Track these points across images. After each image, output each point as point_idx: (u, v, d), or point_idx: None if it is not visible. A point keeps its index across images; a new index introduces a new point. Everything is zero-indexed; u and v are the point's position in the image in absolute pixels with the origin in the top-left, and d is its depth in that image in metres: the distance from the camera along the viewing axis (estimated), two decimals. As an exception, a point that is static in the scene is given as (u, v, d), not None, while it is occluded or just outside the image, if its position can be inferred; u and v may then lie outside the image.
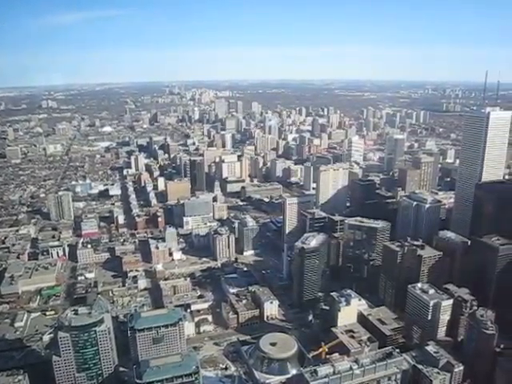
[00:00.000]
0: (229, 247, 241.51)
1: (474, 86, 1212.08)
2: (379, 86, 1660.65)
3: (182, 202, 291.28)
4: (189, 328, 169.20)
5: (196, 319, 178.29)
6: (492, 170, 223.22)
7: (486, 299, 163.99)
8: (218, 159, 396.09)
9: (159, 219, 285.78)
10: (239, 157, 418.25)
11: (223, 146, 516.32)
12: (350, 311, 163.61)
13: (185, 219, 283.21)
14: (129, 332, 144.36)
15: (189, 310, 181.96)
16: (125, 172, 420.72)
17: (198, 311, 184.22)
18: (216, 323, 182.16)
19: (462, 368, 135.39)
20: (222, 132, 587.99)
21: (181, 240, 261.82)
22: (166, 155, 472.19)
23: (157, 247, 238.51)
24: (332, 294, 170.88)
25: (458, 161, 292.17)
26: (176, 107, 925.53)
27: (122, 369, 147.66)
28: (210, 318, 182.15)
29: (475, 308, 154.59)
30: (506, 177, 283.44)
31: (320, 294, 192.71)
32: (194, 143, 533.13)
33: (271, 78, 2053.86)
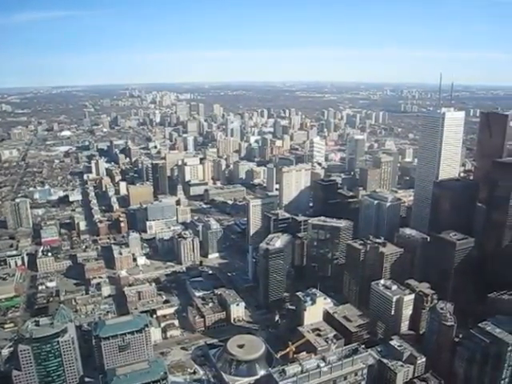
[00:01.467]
0: (193, 251, 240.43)
1: (429, 87, 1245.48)
2: (339, 87, 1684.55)
3: (144, 206, 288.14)
4: (155, 334, 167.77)
5: (162, 324, 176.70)
6: (448, 169, 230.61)
7: (445, 292, 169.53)
8: (180, 162, 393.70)
9: (122, 224, 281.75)
10: (202, 160, 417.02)
11: (185, 149, 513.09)
12: (316, 310, 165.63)
13: (148, 223, 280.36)
14: (93, 341, 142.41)
15: (155, 316, 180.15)
16: (85, 177, 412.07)
17: (164, 316, 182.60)
18: (183, 327, 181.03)
19: (424, 359, 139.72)
20: (184, 135, 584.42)
21: (144, 245, 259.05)
22: (128, 159, 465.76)
23: (120, 253, 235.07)
24: (297, 293, 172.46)
25: (416, 160, 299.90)
26: (137, 110, 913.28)
27: (87, 379, 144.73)
28: (176, 322, 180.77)
29: (435, 301, 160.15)
30: (462, 174, 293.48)
31: (286, 294, 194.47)
32: (155, 146, 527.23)
33: (233, 80, 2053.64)
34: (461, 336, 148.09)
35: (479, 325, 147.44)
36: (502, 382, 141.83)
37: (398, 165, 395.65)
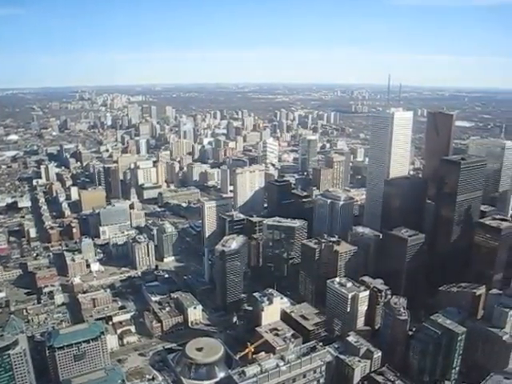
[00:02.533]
0: (148, 255, 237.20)
1: (378, 88, 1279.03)
2: (291, 88, 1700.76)
3: (97, 211, 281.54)
4: (111, 341, 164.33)
5: (119, 331, 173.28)
6: (398, 167, 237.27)
7: (398, 287, 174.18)
8: (132, 165, 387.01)
9: (74, 230, 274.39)
10: (155, 162, 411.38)
11: (138, 151, 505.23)
12: (273, 310, 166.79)
13: (101, 229, 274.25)
14: (47, 351, 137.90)
15: (110, 323, 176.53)
16: (34, 182, 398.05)
17: (121, 323, 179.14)
18: (140, 333, 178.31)
19: (380, 354, 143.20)
20: (136, 138, 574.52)
21: (98, 250, 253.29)
22: (79, 163, 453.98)
23: (73, 260, 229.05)
24: (255, 294, 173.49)
25: (367, 159, 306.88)
26: (87, 113, 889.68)
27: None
28: (133, 328, 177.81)
29: (389, 297, 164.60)
30: (411, 172, 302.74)
31: (243, 295, 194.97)
32: (107, 150, 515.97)
33: (185, 81, 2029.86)
34: (414, 329, 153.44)
35: (431, 317, 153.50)
36: (453, 370, 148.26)
37: (350, 164, 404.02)
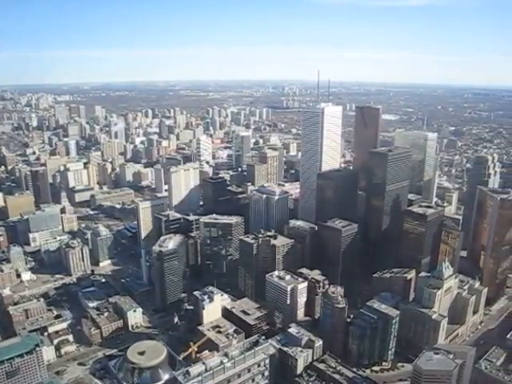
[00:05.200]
0: (83, 260, 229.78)
1: (308, 84, 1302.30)
2: (223, 85, 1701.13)
3: (25, 217, 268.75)
4: (48, 352, 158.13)
5: (55, 341, 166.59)
6: (330, 160, 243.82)
7: (335, 277, 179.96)
8: (62, 168, 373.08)
9: (1, 239, 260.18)
10: (85, 164, 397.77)
11: (67, 153, 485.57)
12: (214, 307, 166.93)
13: (31, 235, 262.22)
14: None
15: (46, 334, 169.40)
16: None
17: (57, 332, 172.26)
18: (78, 342, 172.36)
19: (321, 342, 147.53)
20: (65, 139, 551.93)
21: (29, 259, 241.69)
22: (3, 167, 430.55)
23: (1, 270, 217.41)
24: (195, 293, 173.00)
25: (300, 153, 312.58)
26: (10, 114, 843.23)
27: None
28: (70, 337, 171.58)
29: (327, 286, 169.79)
30: (342, 165, 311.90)
31: (183, 294, 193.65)
32: (34, 152, 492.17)
33: (114, 80, 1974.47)
34: (352, 316, 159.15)
35: (367, 303, 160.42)
36: (390, 351, 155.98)
37: (284, 159, 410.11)
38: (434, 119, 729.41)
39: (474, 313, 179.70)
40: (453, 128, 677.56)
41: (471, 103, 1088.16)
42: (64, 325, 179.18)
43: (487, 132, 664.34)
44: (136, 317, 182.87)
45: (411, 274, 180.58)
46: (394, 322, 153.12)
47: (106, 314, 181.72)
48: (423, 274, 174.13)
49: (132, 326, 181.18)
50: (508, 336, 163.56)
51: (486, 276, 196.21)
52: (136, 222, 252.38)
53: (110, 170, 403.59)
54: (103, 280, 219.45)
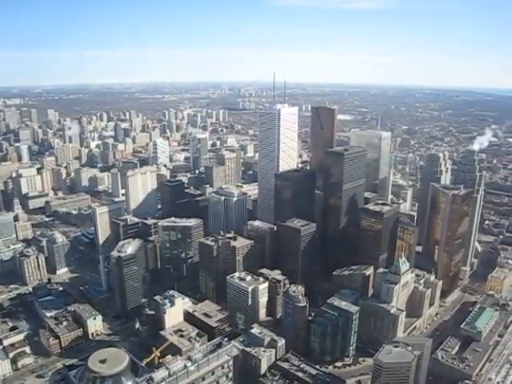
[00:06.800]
0: (39, 268, 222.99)
1: (264, 85, 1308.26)
2: (178, 87, 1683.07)
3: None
4: (3, 366, 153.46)
5: (11, 355, 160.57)
6: (287, 160, 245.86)
7: (295, 276, 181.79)
8: (14, 174, 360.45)
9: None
10: (39, 169, 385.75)
11: (19, 159, 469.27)
12: (176, 311, 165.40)
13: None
14: None
15: (1, 347, 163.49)
16: None
17: (13, 345, 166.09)
18: (36, 353, 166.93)
19: (283, 342, 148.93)
20: (17, 144, 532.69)
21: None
22: None
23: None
24: (156, 297, 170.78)
25: (257, 154, 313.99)
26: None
27: None
28: (27, 349, 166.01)
29: (288, 286, 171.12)
30: (300, 165, 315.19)
31: (144, 299, 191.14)
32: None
33: (67, 82, 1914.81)
34: (313, 314, 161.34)
35: (328, 301, 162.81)
36: (351, 347, 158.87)
37: (241, 160, 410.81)
38: (387, 119, 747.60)
39: (430, 305, 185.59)
40: (406, 127, 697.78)
41: (422, 103, 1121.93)
42: (20, 336, 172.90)
43: (438, 130, 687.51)
44: (96, 324, 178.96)
45: (369, 271, 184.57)
46: (354, 318, 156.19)
47: (64, 323, 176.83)
48: (381, 270, 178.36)
49: (92, 334, 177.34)
50: (462, 326, 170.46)
51: (441, 269, 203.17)
52: (93, 228, 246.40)
53: (64, 175, 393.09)
54: (61, 288, 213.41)
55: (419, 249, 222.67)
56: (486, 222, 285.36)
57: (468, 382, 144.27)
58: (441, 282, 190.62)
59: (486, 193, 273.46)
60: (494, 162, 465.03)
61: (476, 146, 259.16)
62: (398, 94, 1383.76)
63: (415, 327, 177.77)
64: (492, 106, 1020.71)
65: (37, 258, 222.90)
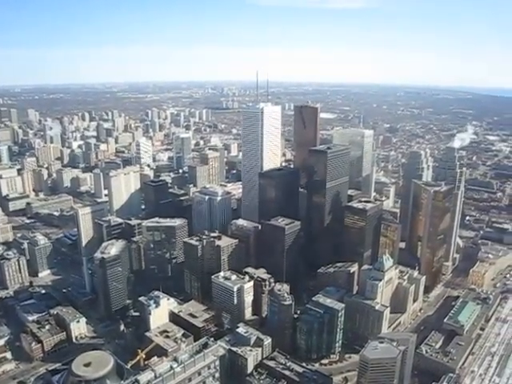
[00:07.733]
0: (20, 271, 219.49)
1: (247, 84, 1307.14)
2: (161, 87, 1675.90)
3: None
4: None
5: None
6: (271, 159, 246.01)
7: (280, 274, 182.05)
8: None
9: None
10: (19, 171, 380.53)
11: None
12: (161, 312, 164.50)
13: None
14: None
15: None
16: None
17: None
18: (18, 359, 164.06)
19: (270, 340, 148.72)
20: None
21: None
22: None
23: None
24: (140, 298, 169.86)
25: (241, 153, 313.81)
26: None
27: None
28: (8, 354, 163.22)
29: (273, 284, 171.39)
30: (283, 164, 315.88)
31: (128, 301, 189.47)
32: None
33: (47, 82, 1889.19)
34: (299, 312, 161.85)
35: (313, 299, 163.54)
36: (337, 344, 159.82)
37: (225, 159, 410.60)
38: (369, 117, 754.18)
39: (414, 301, 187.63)
40: (388, 125, 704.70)
41: (403, 101, 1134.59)
42: (1, 342, 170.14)
43: (419, 128, 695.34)
44: (80, 327, 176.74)
45: (354, 268, 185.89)
46: (339, 315, 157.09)
47: (47, 327, 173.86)
48: (365, 266, 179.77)
49: (76, 338, 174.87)
50: (445, 320, 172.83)
51: (424, 265, 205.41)
52: (76, 229, 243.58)
53: (46, 176, 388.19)
54: (43, 291, 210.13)
55: (402, 245, 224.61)
56: (467, 218, 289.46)
57: (452, 375, 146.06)
58: (424, 277, 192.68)
59: (466, 189, 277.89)
60: (474, 158, 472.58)
61: (456, 144, 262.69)
62: (380, 93, 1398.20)
63: (400, 323, 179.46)
64: (471, 105, 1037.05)
65: (18, 260, 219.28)
